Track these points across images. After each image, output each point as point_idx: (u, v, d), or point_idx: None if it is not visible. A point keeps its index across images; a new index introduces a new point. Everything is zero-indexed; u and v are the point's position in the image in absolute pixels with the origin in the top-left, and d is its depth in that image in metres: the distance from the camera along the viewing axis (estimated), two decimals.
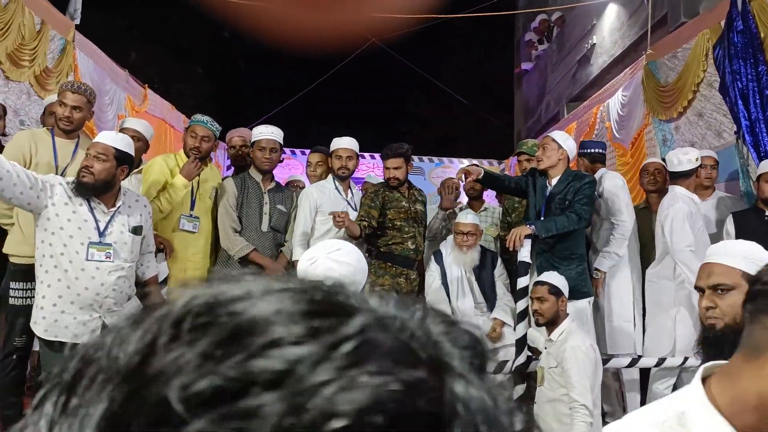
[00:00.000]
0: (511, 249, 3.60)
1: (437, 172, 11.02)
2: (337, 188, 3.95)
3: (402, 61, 11.41)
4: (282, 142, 3.88)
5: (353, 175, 4.14)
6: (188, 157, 3.59)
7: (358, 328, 0.29)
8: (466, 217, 4.16)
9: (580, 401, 2.86)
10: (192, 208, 3.63)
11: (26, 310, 3.23)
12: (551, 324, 3.12)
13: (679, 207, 3.64)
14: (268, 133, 3.80)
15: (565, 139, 3.87)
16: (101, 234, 2.89)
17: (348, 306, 0.30)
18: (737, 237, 3.62)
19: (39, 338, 2.91)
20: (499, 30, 13.50)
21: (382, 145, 4.34)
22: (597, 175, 4.07)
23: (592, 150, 4.27)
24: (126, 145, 2.97)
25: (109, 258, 2.89)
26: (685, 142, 4.87)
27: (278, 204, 3.86)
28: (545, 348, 3.18)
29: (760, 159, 3.90)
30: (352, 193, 4.04)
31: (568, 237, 3.65)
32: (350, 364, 0.27)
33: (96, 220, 2.88)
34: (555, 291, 3.10)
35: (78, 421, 0.28)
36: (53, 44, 5.02)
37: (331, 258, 1.68)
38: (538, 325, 3.25)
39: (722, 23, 4.33)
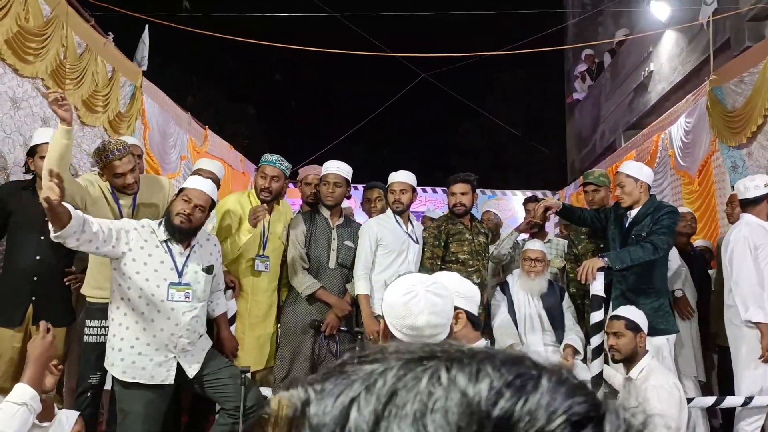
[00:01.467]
0: (583, 282, 3.48)
1: (490, 204, 10.93)
2: (397, 221, 3.93)
3: (451, 94, 11.48)
4: (348, 178, 3.89)
5: (413, 209, 4.12)
6: (259, 196, 3.64)
7: None
8: (534, 244, 4.11)
9: None
10: (263, 249, 3.67)
11: (100, 348, 3.30)
12: (629, 361, 2.99)
13: (740, 236, 3.48)
14: (333, 167, 3.82)
15: (639, 170, 3.75)
16: (180, 274, 2.94)
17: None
18: None
19: (116, 379, 2.96)
20: (549, 61, 13.45)
21: (432, 178, 4.35)
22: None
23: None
24: (215, 193, 3.08)
25: (188, 298, 2.93)
26: (760, 167, 4.67)
27: (346, 240, 3.86)
28: (624, 387, 3.05)
29: None
30: (412, 225, 4.02)
31: (646, 270, 3.51)
32: None
33: (174, 261, 2.94)
34: (632, 326, 2.99)
35: None
36: (124, 90, 5.25)
37: (431, 291, 1.63)
38: (614, 361, 3.11)
39: None
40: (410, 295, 1.61)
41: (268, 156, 3.75)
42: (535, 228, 4.62)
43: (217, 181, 3.96)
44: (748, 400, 3.42)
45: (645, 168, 3.82)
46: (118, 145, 3.20)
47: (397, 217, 3.94)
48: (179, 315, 2.92)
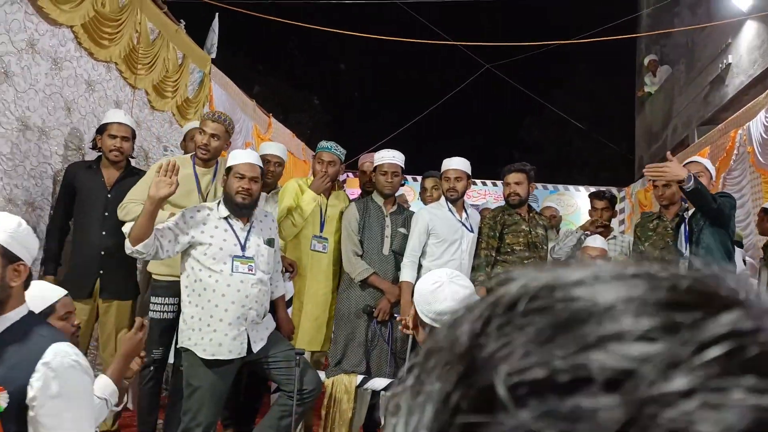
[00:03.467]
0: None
1: (551, 199, 10.69)
2: (450, 210, 3.88)
3: (515, 86, 11.26)
4: (403, 166, 3.89)
5: (472, 203, 4.06)
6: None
7: (731, 326, 0.23)
8: (595, 241, 4.00)
9: None
10: (321, 229, 3.72)
11: (163, 323, 3.43)
12: None
13: None
14: (389, 157, 3.83)
15: (710, 164, 3.71)
16: (243, 248, 3.03)
17: (721, 297, 0.25)
18: None
19: (185, 355, 3.04)
20: (620, 52, 12.99)
21: (493, 172, 4.26)
22: None
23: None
24: (260, 160, 3.17)
25: (251, 271, 3.02)
26: None
27: (400, 227, 3.86)
28: None
29: None
30: (467, 213, 3.95)
31: (708, 255, 3.40)
32: (719, 373, 0.22)
33: (236, 236, 3.03)
34: None
35: (424, 396, 0.28)
36: (192, 77, 5.41)
37: (455, 282, 1.87)
38: None
39: None
40: (437, 284, 1.87)
41: (323, 143, 3.83)
42: (600, 228, 4.46)
43: (283, 165, 4.05)
44: None
45: (708, 162, 3.78)
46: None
47: (451, 206, 3.88)
48: (247, 287, 3.00)
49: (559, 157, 16.55)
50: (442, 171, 3.97)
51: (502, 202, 4.31)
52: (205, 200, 3.40)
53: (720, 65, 8.52)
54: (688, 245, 3.55)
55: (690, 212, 3.60)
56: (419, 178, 10.31)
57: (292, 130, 8.55)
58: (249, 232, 3.07)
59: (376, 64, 17.54)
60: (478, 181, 9.99)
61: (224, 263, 2.97)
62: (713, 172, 3.72)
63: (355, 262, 3.69)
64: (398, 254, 3.81)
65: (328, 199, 3.76)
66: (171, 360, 3.55)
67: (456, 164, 3.91)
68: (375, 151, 4.15)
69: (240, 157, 3.09)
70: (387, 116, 14.09)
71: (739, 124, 6.23)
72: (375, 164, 3.90)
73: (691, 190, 3.13)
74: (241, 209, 3.02)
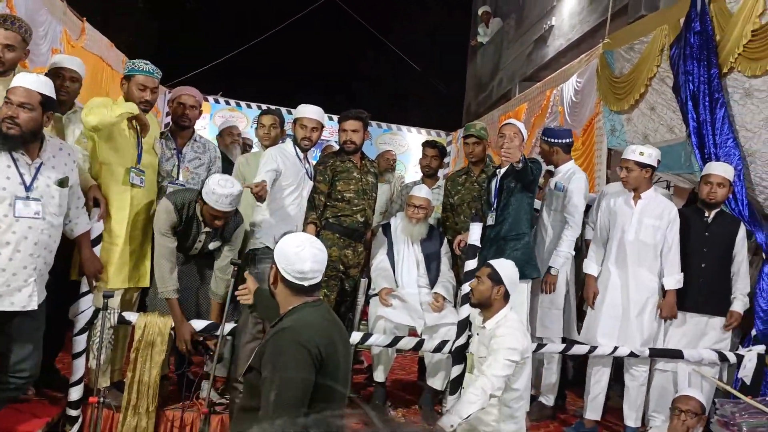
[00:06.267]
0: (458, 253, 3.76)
1: (384, 138, 10.94)
2: (297, 155, 3.77)
3: (356, 18, 11.15)
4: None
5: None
6: (139, 106, 3.31)
7: None
8: (420, 191, 4.17)
9: (487, 389, 2.79)
10: (138, 161, 3.40)
11: None
12: (487, 311, 3.04)
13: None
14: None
15: (523, 129, 3.97)
16: (28, 188, 2.67)
17: None
18: (681, 234, 3.78)
19: None
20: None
21: (332, 103, 4.22)
22: (566, 168, 4.14)
23: (566, 140, 4.20)
24: (49, 88, 2.72)
25: (38, 215, 2.68)
26: (638, 134, 4.95)
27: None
28: (477, 334, 3.16)
29: (704, 161, 4.02)
30: (308, 163, 3.88)
31: (516, 218, 3.76)
32: None
33: (20, 174, 2.65)
34: (496, 278, 3.01)
35: None
36: None
37: (314, 246, 2.16)
38: (471, 305, 3.23)
39: (681, 21, 4.37)
40: (300, 247, 2.13)
41: (141, 64, 3.36)
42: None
43: (80, 81, 3.57)
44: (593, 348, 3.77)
45: (521, 125, 4.07)
46: None
47: (299, 152, 3.78)
48: (36, 233, 2.68)
49: (397, 94, 16.88)
50: (296, 115, 3.82)
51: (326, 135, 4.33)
52: None
53: (544, 26, 9.13)
54: (496, 201, 3.87)
55: (502, 171, 3.89)
56: (254, 105, 9.95)
57: (111, 38, 7.64)
58: (38, 169, 2.70)
59: None
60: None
61: (9, 204, 2.61)
62: (525, 134, 4.03)
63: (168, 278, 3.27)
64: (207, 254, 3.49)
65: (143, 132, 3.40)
66: None
67: (314, 113, 3.79)
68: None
69: (17, 79, 2.65)
70: (221, 36, 13.21)
71: (555, 85, 6.77)
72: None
73: (521, 168, 3.59)
74: (8, 141, 2.59)
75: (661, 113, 4.70)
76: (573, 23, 8.28)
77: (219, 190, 3.09)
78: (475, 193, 4.29)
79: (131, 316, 3.33)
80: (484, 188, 4.12)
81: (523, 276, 3.47)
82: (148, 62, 3.40)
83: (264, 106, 9.49)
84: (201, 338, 3.34)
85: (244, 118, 9.93)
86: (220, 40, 11.83)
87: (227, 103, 9.85)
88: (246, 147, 4.97)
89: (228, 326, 3.27)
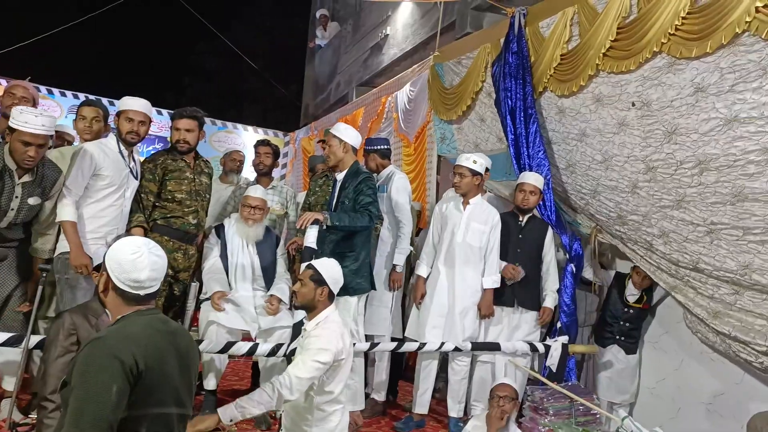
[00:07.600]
0: (298, 227, 3.67)
1: (219, 136, 10.55)
2: (121, 152, 3.50)
3: (190, 10, 10.64)
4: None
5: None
6: None
7: None
8: (256, 191, 4.09)
9: (284, 391, 2.69)
10: None
11: None
12: (311, 312, 2.98)
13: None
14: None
15: (345, 131, 3.94)
16: None
17: None
18: (501, 237, 4.12)
19: None
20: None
21: (159, 97, 3.99)
22: (386, 172, 4.36)
23: (382, 146, 4.48)
24: None
25: None
26: (469, 142, 5.30)
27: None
28: (302, 336, 3.07)
29: (520, 170, 4.42)
30: (134, 161, 3.61)
31: (348, 235, 3.76)
32: None
33: None
34: (317, 279, 2.95)
35: None
36: None
37: (153, 253, 1.96)
38: (294, 307, 3.19)
39: (501, 41, 4.75)
40: (137, 254, 1.92)
41: None
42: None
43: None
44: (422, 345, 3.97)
45: (351, 130, 4.01)
46: None
47: (123, 148, 3.50)
48: None
49: (232, 91, 16.39)
50: (121, 108, 3.54)
51: (168, 132, 4.13)
52: None
53: (380, 34, 9.44)
54: (335, 203, 3.92)
55: (340, 180, 3.95)
56: (69, 94, 9.06)
57: None
58: None
59: None
60: None
61: None
62: (344, 135, 3.91)
63: None
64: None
65: None
66: None
67: (141, 106, 3.56)
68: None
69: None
70: (35, 13, 11.87)
71: (390, 92, 7.03)
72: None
73: (336, 224, 3.62)
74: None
75: (491, 124, 5.08)
76: (406, 34, 8.65)
77: (27, 110, 2.92)
78: (328, 195, 4.32)
79: None
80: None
81: (355, 292, 3.59)
82: None
83: (82, 96, 8.68)
84: None
85: (58, 107, 9.01)
86: (34, 17, 10.60)
87: (37, 89, 8.83)
88: (64, 142, 4.49)
89: (34, 339, 2.95)
